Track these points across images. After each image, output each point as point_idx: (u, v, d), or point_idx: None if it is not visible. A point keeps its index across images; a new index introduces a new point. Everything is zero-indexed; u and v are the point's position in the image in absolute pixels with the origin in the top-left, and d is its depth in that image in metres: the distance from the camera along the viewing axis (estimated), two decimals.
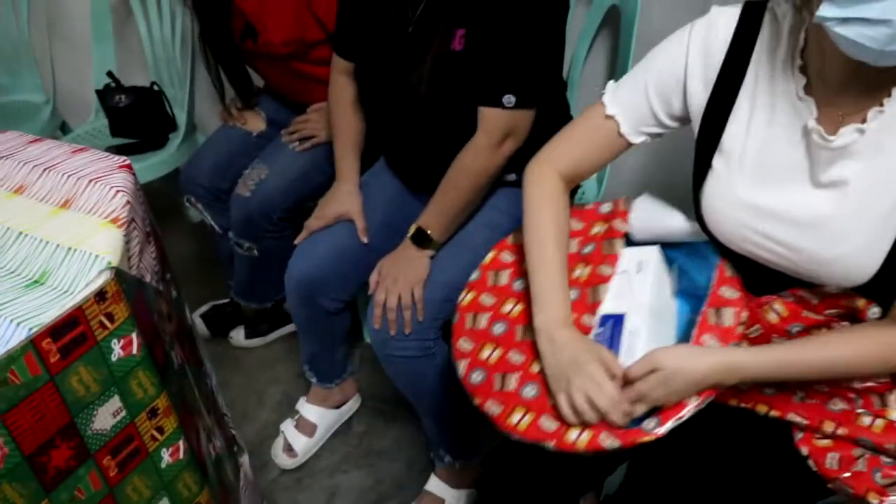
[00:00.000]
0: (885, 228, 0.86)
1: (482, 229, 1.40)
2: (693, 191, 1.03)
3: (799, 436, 0.95)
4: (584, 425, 0.93)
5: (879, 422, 0.92)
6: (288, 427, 1.78)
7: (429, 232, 1.37)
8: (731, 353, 0.92)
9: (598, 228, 1.14)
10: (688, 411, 0.91)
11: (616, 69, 1.66)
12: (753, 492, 0.97)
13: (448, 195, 1.35)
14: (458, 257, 1.37)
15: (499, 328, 1.09)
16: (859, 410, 0.93)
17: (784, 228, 0.92)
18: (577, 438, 0.93)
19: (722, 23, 0.96)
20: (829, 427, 0.93)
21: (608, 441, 0.92)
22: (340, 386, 1.79)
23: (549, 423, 0.96)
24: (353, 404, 1.85)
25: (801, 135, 0.89)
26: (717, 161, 0.98)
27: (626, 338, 0.98)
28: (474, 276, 1.17)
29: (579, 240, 1.14)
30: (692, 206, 1.05)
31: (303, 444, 1.75)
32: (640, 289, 1.02)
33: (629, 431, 0.92)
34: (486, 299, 1.13)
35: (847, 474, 0.90)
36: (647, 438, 0.91)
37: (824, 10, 0.74)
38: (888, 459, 0.90)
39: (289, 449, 1.74)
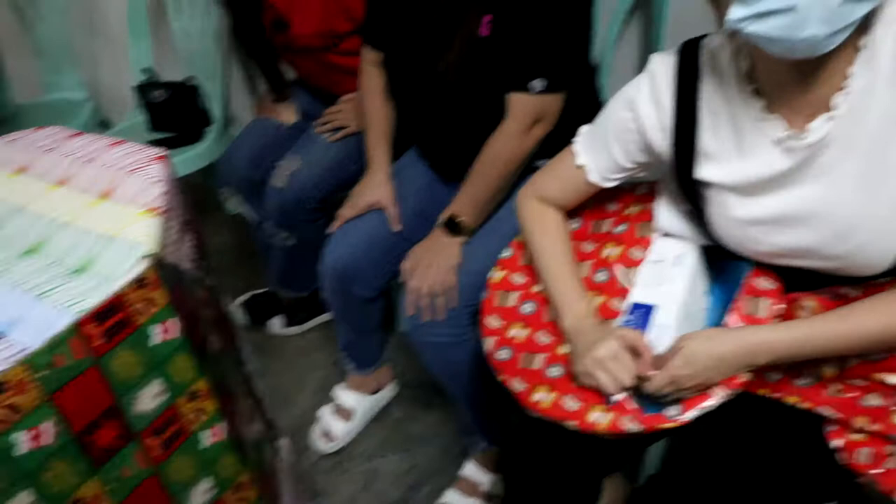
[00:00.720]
0: None
1: (513, 215, 1.40)
2: (692, 208, 1.02)
3: (830, 428, 0.94)
4: (607, 407, 0.94)
5: None
6: (326, 413, 1.81)
7: (460, 219, 1.38)
8: (755, 330, 0.93)
9: (632, 209, 1.14)
10: (712, 401, 0.91)
11: (648, 51, 1.64)
12: (781, 482, 0.96)
13: (479, 182, 1.36)
14: (489, 244, 1.37)
15: (528, 307, 1.10)
16: (894, 408, 0.91)
17: (791, 233, 0.91)
18: (599, 420, 0.94)
19: (662, 71, 0.97)
20: (861, 422, 0.91)
21: (630, 424, 0.92)
22: (376, 372, 1.82)
23: (571, 403, 0.97)
24: (389, 390, 1.88)
25: (777, 149, 0.88)
26: (705, 193, 0.98)
27: (654, 329, 0.97)
28: (506, 253, 1.18)
29: (612, 220, 1.14)
30: None
31: (341, 430, 1.78)
32: (674, 282, 1.01)
33: (651, 416, 0.92)
34: (517, 278, 1.14)
35: (879, 470, 0.88)
36: (668, 425, 0.91)
37: (734, 13, 0.75)
38: None
39: (327, 434, 1.78)
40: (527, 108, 1.27)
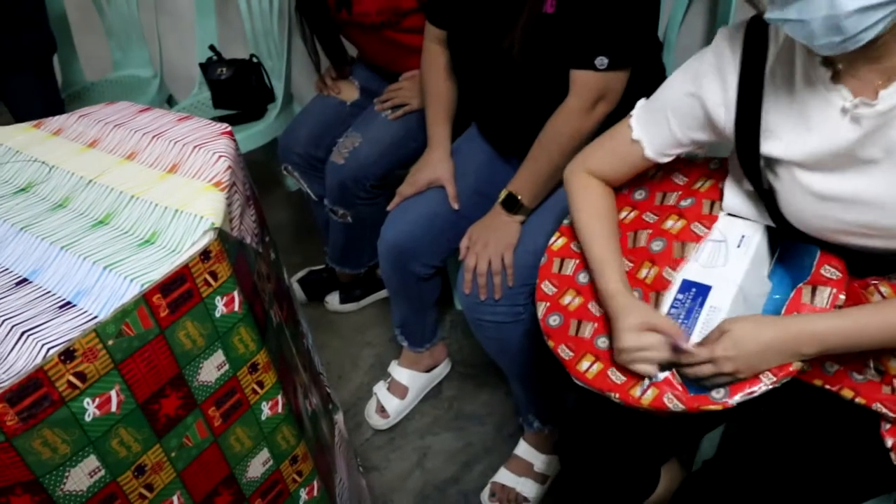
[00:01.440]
0: None
1: None
2: (755, 189, 0.99)
3: (886, 426, 0.91)
4: (652, 383, 0.94)
5: None
6: (380, 389, 1.83)
7: (519, 197, 1.37)
8: (803, 318, 0.90)
9: (701, 183, 1.11)
10: (760, 388, 0.88)
11: (714, 28, 1.60)
12: (832, 476, 0.94)
13: (539, 160, 1.34)
14: (548, 223, 1.36)
15: (583, 277, 1.09)
16: None
17: (859, 210, 0.88)
18: (643, 395, 0.93)
19: (728, 45, 0.94)
20: None
21: (672, 403, 0.91)
22: (431, 350, 1.83)
23: (616, 376, 0.96)
24: (443, 368, 1.89)
25: (845, 119, 0.85)
26: (773, 169, 0.95)
27: (705, 311, 0.95)
28: (568, 221, 1.17)
29: (679, 193, 1.12)
30: None
31: (395, 406, 1.79)
32: (735, 265, 0.98)
33: (695, 397, 0.91)
34: (577, 247, 1.13)
35: None
36: (712, 407, 0.90)
37: (769, 13, 0.79)
38: None
39: (381, 410, 1.80)
40: (590, 86, 1.25)
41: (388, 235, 1.55)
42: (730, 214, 1.05)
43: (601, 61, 1.22)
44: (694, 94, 0.98)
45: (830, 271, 0.94)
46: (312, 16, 1.80)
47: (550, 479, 1.60)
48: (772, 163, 0.95)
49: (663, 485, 1.19)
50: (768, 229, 1.02)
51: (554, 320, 1.06)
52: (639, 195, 1.15)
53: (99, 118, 1.13)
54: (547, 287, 1.11)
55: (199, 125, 1.05)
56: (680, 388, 0.92)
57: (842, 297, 0.92)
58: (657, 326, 0.94)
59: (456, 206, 1.51)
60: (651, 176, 1.16)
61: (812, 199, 0.92)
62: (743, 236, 1.01)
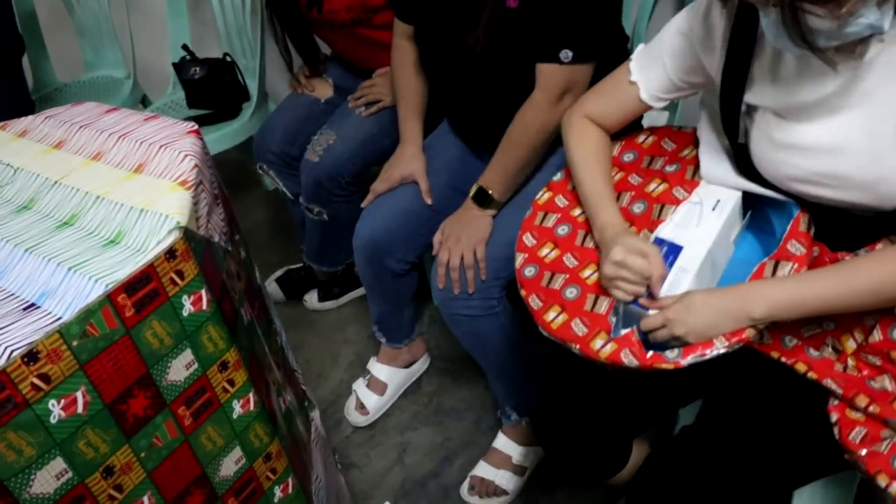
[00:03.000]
0: None
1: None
2: (730, 143, 1.02)
3: (833, 402, 0.93)
4: (612, 338, 0.97)
5: None
6: (360, 386, 1.83)
7: (490, 191, 1.37)
8: (756, 282, 0.94)
9: (688, 151, 1.14)
10: (711, 351, 0.91)
11: None
12: (784, 449, 0.96)
13: (508, 153, 1.35)
14: (519, 216, 1.36)
15: (563, 230, 1.12)
16: None
17: (827, 160, 0.90)
18: (601, 348, 0.97)
19: None
20: (861, 402, 0.90)
21: (628, 358, 0.94)
22: (409, 346, 1.83)
23: (579, 328, 0.99)
24: (422, 364, 1.89)
25: (826, 70, 0.86)
26: (751, 115, 0.98)
27: (674, 272, 0.98)
28: (557, 177, 1.21)
29: (666, 158, 1.15)
30: None
31: (374, 402, 1.80)
32: (707, 227, 1.00)
33: (650, 356, 0.94)
34: (561, 200, 1.16)
35: (864, 451, 0.87)
36: (665, 366, 0.93)
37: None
38: None
39: (361, 407, 1.80)
40: (555, 79, 1.25)
41: (363, 232, 1.55)
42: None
43: (566, 54, 1.22)
44: (688, 37, 1.02)
45: (796, 246, 0.96)
46: (283, 14, 1.80)
47: (529, 470, 1.61)
48: (750, 110, 0.98)
49: (633, 460, 1.21)
50: (743, 196, 1.04)
51: (529, 271, 1.10)
52: (627, 157, 1.18)
53: (65, 119, 1.12)
54: (527, 238, 1.14)
55: (165, 124, 1.05)
56: (637, 345, 0.95)
57: (804, 271, 0.94)
58: (647, 253, 0.97)
59: (429, 202, 1.51)
60: (641, 141, 1.19)
61: (783, 146, 0.94)
62: (718, 200, 1.03)
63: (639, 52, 1.11)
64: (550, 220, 1.14)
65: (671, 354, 0.93)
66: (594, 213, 1.08)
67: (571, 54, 1.22)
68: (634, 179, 1.14)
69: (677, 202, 1.06)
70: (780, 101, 0.93)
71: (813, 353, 0.96)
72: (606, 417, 1.08)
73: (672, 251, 1.00)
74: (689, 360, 0.92)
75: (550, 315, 1.03)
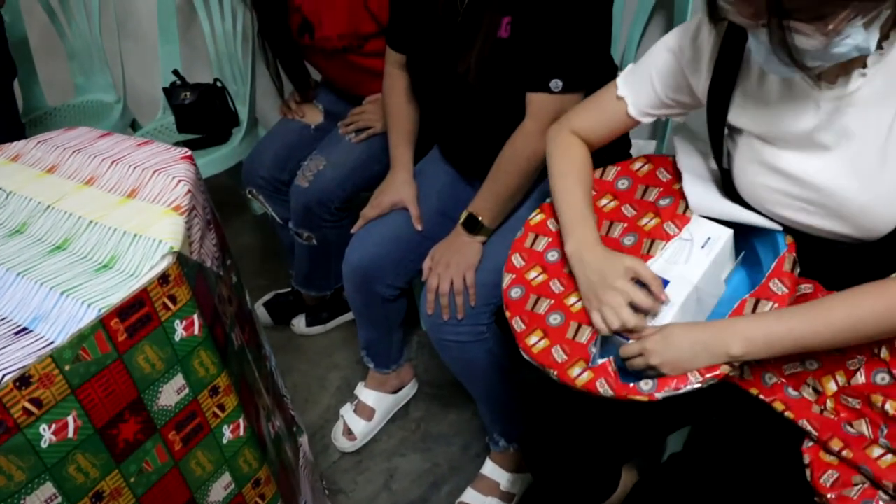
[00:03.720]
0: None
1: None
2: (718, 168, 1.04)
3: (808, 444, 0.93)
4: (589, 367, 0.97)
5: (889, 458, 0.87)
6: (347, 411, 1.82)
7: (480, 218, 1.38)
8: (733, 319, 0.94)
9: (681, 184, 1.14)
10: (686, 386, 0.91)
11: None
12: (759, 485, 0.96)
13: (498, 181, 1.37)
14: (509, 243, 1.38)
15: (552, 256, 1.13)
16: (882, 441, 0.88)
17: (810, 190, 0.92)
18: (578, 376, 0.97)
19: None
20: (835, 445, 0.89)
21: (603, 388, 0.95)
22: (397, 371, 1.83)
23: (559, 354, 1.00)
24: (410, 389, 1.89)
25: (807, 102, 0.89)
26: (734, 137, 1.00)
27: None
28: (550, 199, 1.20)
29: (660, 189, 1.15)
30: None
31: (361, 428, 1.79)
32: (695, 264, 1.01)
33: (625, 386, 0.94)
34: (553, 224, 1.17)
35: (833, 495, 0.86)
36: (639, 397, 0.93)
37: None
38: (886, 497, 0.85)
39: (348, 432, 1.79)
40: (546, 108, 1.27)
41: (353, 258, 1.56)
42: (702, 216, 1.08)
43: (556, 84, 1.24)
44: (676, 56, 1.04)
45: (778, 286, 0.97)
46: (275, 41, 1.81)
47: (517, 497, 1.61)
48: (734, 132, 1.00)
49: (622, 486, 1.21)
50: (735, 232, 1.04)
51: (515, 292, 1.10)
52: (621, 184, 1.19)
53: (57, 144, 1.13)
54: (516, 259, 1.15)
55: (158, 150, 1.06)
56: (613, 375, 0.96)
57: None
58: (645, 278, 0.98)
59: (419, 228, 1.52)
60: (637, 169, 1.20)
61: (765, 169, 0.96)
62: (709, 238, 1.04)
63: (627, 70, 1.13)
64: (541, 244, 1.15)
65: (646, 387, 0.93)
66: (569, 226, 1.08)
67: (561, 84, 1.25)
68: (628, 211, 1.14)
69: (668, 238, 1.07)
70: (763, 127, 0.95)
71: (792, 392, 0.96)
72: (595, 443, 1.08)
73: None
74: (663, 393, 0.92)
75: (532, 339, 1.03)
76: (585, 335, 1.02)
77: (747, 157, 0.98)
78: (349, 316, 2.13)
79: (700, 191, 1.08)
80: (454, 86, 1.34)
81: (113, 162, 1.04)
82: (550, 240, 1.15)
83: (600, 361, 0.98)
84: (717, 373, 0.91)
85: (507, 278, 1.12)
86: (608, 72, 1.42)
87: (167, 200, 0.93)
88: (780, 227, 1.00)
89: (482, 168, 1.40)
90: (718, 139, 1.02)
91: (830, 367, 0.95)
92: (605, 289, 0.99)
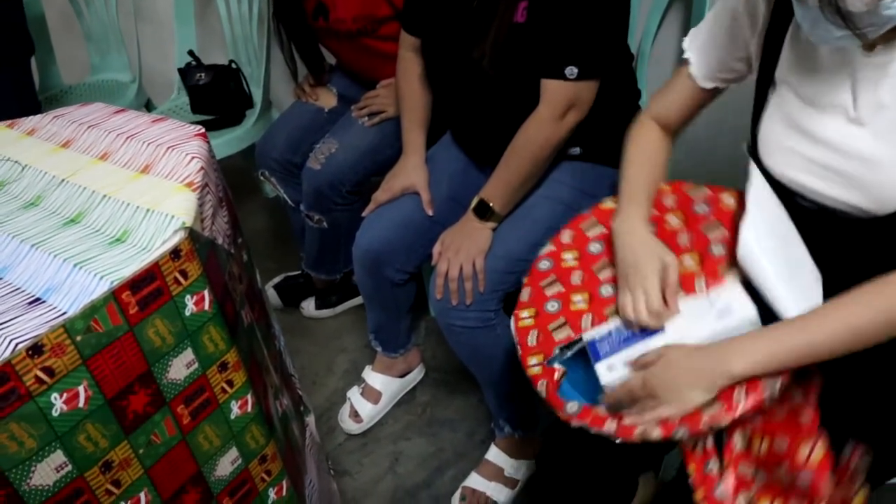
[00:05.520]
0: None
1: (545, 202, 1.41)
2: (751, 130, 1.03)
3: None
4: (543, 364, 1.00)
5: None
6: (354, 394, 1.83)
7: (491, 204, 1.38)
8: (730, 339, 0.91)
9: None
10: (675, 433, 0.89)
11: None
12: None
13: (510, 167, 1.37)
14: (519, 230, 1.38)
15: (594, 247, 1.12)
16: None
17: (836, 157, 0.91)
18: (531, 366, 1.01)
19: None
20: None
21: (541, 388, 0.98)
22: (405, 356, 1.84)
23: (532, 338, 1.04)
24: (417, 374, 1.90)
25: (845, 70, 0.89)
26: (773, 94, 0.99)
27: (639, 347, 0.97)
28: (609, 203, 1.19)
29: (725, 234, 1.05)
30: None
31: (368, 411, 1.80)
32: (699, 328, 0.95)
33: (556, 398, 0.96)
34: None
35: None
36: (559, 414, 0.95)
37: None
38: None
39: (355, 415, 1.80)
40: (560, 95, 1.27)
41: (363, 241, 1.56)
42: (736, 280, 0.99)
43: (571, 71, 1.24)
44: (736, 16, 1.02)
45: None
46: (290, 23, 1.82)
47: (521, 483, 1.62)
48: (777, 85, 0.99)
49: (639, 495, 1.21)
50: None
51: (544, 264, 1.11)
52: (700, 209, 1.10)
53: (73, 119, 1.13)
54: (565, 235, 1.15)
55: (172, 127, 1.06)
56: (555, 382, 0.97)
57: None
58: (668, 283, 0.99)
59: (430, 213, 1.53)
60: (723, 201, 1.10)
61: (793, 131, 0.95)
62: (726, 307, 0.96)
63: (690, 33, 1.11)
64: (594, 231, 1.13)
65: (571, 409, 0.95)
66: (622, 204, 1.09)
67: (577, 71, 1.24)
68: (683, 240, 1.07)
69: (691, 291, 1.01)
70: (803, 87, 0.94)
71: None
72: (611, 453, 1.06)
73: (655, 330, 0.98)
74: (578, 423, 0.93)
75: (524, 314, 1.05)
76: (562, 334, 1.02)
77: (777, 116, 0.98)
78: (358, 300, 2.14)
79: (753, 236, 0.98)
80: (468, 71, 1.34)
81: (127, 138, 1.05)
82: (604, 230, 1.12)
83: (555, 365, 0.99)
84: (702, 427, 0.88)
85: (547, 248, 1.13)
86: (624, 60, 1.42)
87: (180, 176, 0.94)
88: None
89: (494, 154, 1.40)
90: (762, 96, 1.00)
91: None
92: (637, 276, 0.99)
